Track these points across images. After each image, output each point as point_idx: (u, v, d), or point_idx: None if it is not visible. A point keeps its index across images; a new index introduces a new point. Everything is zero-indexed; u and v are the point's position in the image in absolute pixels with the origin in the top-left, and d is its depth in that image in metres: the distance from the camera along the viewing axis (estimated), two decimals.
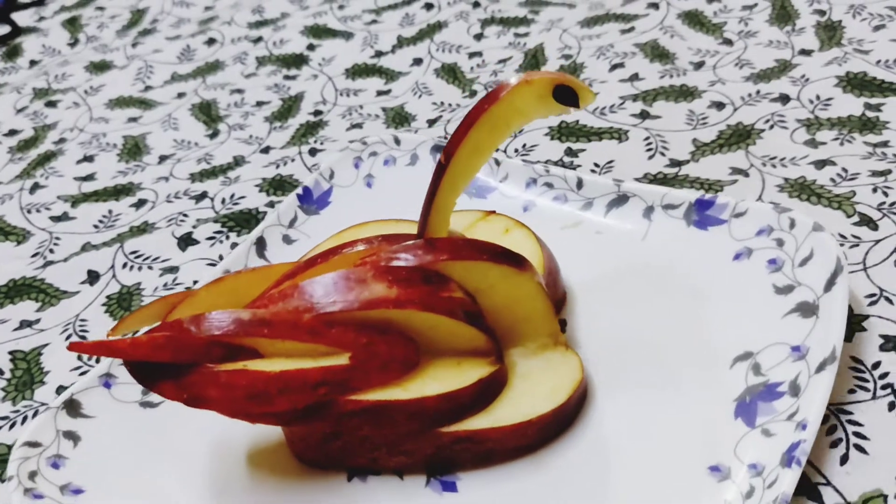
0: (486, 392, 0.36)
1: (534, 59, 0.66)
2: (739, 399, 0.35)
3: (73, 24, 0.88)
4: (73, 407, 0.40)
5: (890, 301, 0.40)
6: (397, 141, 0.53)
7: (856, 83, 0.55)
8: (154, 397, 0.41)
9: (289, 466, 0.38)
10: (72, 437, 0.40)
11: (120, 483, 0.38)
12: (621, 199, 0.45)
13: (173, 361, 0.33)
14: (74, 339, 0.47)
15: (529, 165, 0.49)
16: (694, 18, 0.67)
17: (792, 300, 0.37)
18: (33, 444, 0.39)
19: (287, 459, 0.38)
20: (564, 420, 0.36)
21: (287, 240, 0.50)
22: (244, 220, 0.54)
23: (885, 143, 0.49)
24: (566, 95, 0.35)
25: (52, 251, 0.55)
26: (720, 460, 0.34)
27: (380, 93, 0.67)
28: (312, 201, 0.52)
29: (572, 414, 0.37)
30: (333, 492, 0.36)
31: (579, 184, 0.47)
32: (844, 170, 0.48)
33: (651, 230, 0.44)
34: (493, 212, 0.44)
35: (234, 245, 0.52)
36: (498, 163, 0.50)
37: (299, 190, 0.52)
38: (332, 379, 0.33)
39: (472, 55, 0.69)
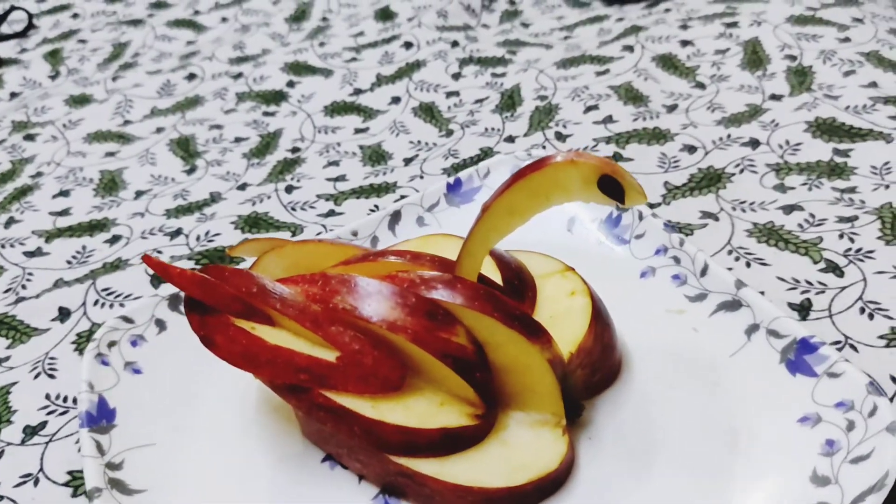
0: (448, 442, 0.36)
1: (510, 100, 0.67)
2: None
3: (54, 57, 0.88)
4: (174, 301, 0.46)
5: (855, 348, 0.40)
6: None
7: (825, 128, 0.56)
8: None
9: (292, 427, 0.41)
10: (160, 325, 0.45)
11: (170, 377, 0.43)
12: (734, 305, 0.41)
13: (202, 301, 0.37)
14: (43, 378, 0.47)
15: (668, 232, 0.46)
16: (668, 61, 0.68)
17: (818, 496, 0.34)
18: (127, 320, 0.44)
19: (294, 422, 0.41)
20: (518, 501, 0.35)
21: (420, 221, 0.51)
22: (218, 258, 0.54)
23: (852, 189, 0.50)
24: (612, 187, 0.33)
25: (24, 287, 0.55)
26: None
27: (357, 130, 0.68)
28: (459, 193, 0.52)
29: (531, 498, 0.35)
30: (303, 463, 0.39)
31: (704, 270, 0.43)
32: (812, 215, 0.49)
33: (744, 350, 0.40)
34: (573, 269, 0.43)
35: None
36: (641, 217, 0.47)
37: (450, 179, 0.53)
38: (315, 370, 0.35)
39: (449, 94, 0.70)
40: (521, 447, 0.36)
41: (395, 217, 0.51)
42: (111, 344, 0.43)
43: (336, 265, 0.41)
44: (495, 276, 0.41)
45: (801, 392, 0.37)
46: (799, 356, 0.38)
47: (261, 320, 0.37)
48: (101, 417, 0.40)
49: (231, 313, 0.37)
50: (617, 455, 0.37)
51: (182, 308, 0.43)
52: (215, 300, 0.37)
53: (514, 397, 0.37)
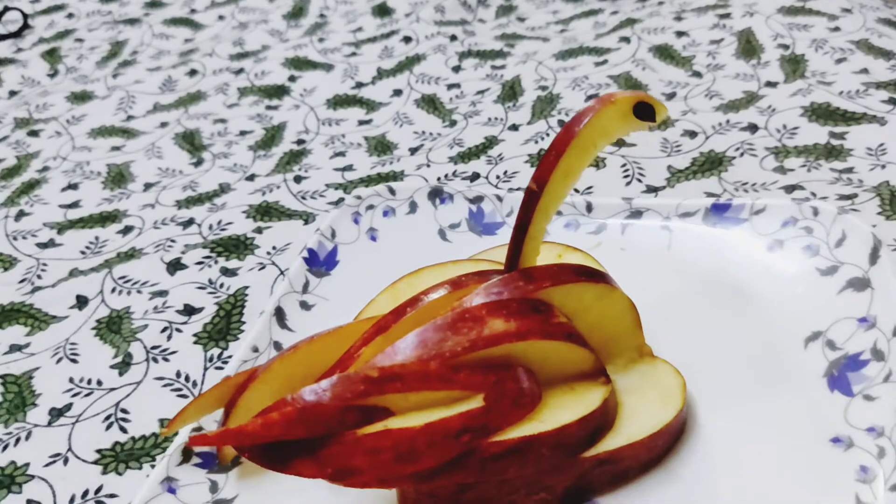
0: (611, 411, 0.35)
1: (511, 91, 0.68)
2: (827, 373, 0.36)
3: (52, 56, 0.89)
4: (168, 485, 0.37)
5: None
6: (392, 191, 0.52)
7: (820, 113, 0.58)
8: (227, 494, 0.38)
9: None
10: None
11: None
12: (635, 215, 0.45)
13: (308, 436, 0.31)
14: (65, 362, 0.48)
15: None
16: (664, 52, 0.70)
17: (840, 278, 0.38)
18: None
19: None
20: (683, 425, 0.36)
21: (305, 306, 0.47)
22: (233, 246, 0.55)
23: (849, 170, 0.52)
24: (645, 111, 0.36)
25: (39, 277, 0.56)
26: (837, 432, 0.34)
27: (361, 122, 0.69)
28: (320, 263, 0.50)
29: (686, 419, 0.37)
30: None
31: (589, 207, 0.47)
32: (813, 194, 0.50)
33: (674, 239, 0.44)
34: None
35: (223, 269, 0.53)
36: (500, 199, 0.50)
37: (304, 253, 0.49)
38: (472, 424, 0.32)
39: (450, 86, 0.71)
40: (645, 385, 0.37)
41: (280, 314, 0.46)
42: None
43: (362, 345, 0.37)
44: None
45: (748, 236, 0.42)
46: (720, 216, 0.43)
47: (382, 416, 0.32)
48: None
49: (349, 428, 0.31)
50: (681, 362, 0.38)
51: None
52: (324, 425, 0.31)
53: (599, 355, 0.37)
